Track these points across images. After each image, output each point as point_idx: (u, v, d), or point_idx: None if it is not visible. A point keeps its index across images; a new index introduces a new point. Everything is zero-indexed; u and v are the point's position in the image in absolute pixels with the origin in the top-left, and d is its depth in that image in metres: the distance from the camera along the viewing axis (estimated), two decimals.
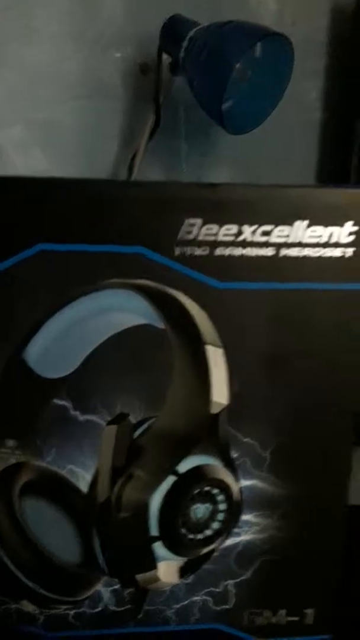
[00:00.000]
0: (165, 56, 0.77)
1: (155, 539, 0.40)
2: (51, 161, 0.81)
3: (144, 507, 0.40)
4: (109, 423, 0.40)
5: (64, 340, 0.40)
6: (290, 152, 0.88)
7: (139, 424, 0.41)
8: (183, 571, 0.43)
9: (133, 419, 0.41)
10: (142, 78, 0.83)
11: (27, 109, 0.80)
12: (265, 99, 0.71)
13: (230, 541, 0.43)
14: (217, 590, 0.45)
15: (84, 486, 0.42)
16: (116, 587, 0.44)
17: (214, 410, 0.39)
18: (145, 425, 0.41)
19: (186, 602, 0.45)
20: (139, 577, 0.41)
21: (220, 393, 0.39)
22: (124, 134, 0.83)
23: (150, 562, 0.41)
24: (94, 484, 0.41)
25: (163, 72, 0.78)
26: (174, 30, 0.72)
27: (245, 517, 0.43)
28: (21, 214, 0.38)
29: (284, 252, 0.39)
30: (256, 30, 0.65)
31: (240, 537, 0.44)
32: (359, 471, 0.45)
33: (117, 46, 0.82)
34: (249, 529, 0.43)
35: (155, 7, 0.79)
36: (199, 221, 0.38)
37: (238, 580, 0.45)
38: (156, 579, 0.41)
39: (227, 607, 0.45)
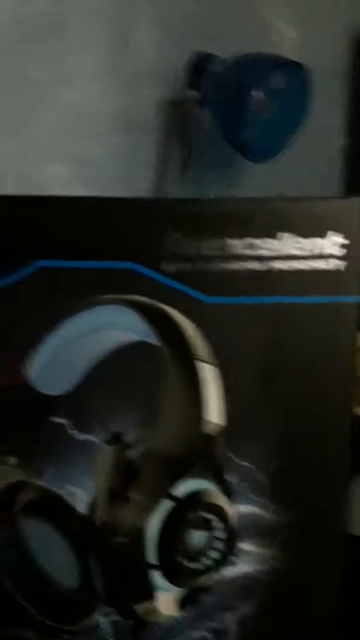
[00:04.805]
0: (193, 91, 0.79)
1: (153, 566, 0.39)
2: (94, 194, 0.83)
3: (140, 533, 0.38)
4: (105, 443, 0.40)
5: (62, 357, 0.40)
6: (314, 178, 0.87)
7: (135, 443, 0.40)
8: (182, 603, 0.41)
9: (129, 438, 0.40)
10: (173, 112, 0.84)
11: (67, 147, 0.82)
12: (286, 128, 0.71)
13: (229, 572, 0.41)
14: (217, 625, 0.43)
15: (81, 507, 0.41)
16: (116, 618, 0.42)
17: (208, 430, 0.38)
18: (140, 446, 0.40)
19: (185, 639, 0.43)
20: (138, 607, 0.40)
21: (214, 412, 0.38)
22: (158, 166, 0.85)
23: (148, 592, 0.39)
24: (92, 506, 0.40)
25: (191, 106, 0.79)
26: (196, 66, 0.74)
27: (244, 546, 0.41)
28: (17, 232, 0.39)
29: (271, 265, 0.39)
30: (272, 60, 0.66)
31: (240, 567, 0.42)
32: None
33: (149, 83, 0.84)
34: (249, 559, 0.41)
35: (183, 44, 0.81)
36: (181, 235, 0.38)
37: (239, 615, 0.42)
38: (155, 610, 0.40)
39: None
